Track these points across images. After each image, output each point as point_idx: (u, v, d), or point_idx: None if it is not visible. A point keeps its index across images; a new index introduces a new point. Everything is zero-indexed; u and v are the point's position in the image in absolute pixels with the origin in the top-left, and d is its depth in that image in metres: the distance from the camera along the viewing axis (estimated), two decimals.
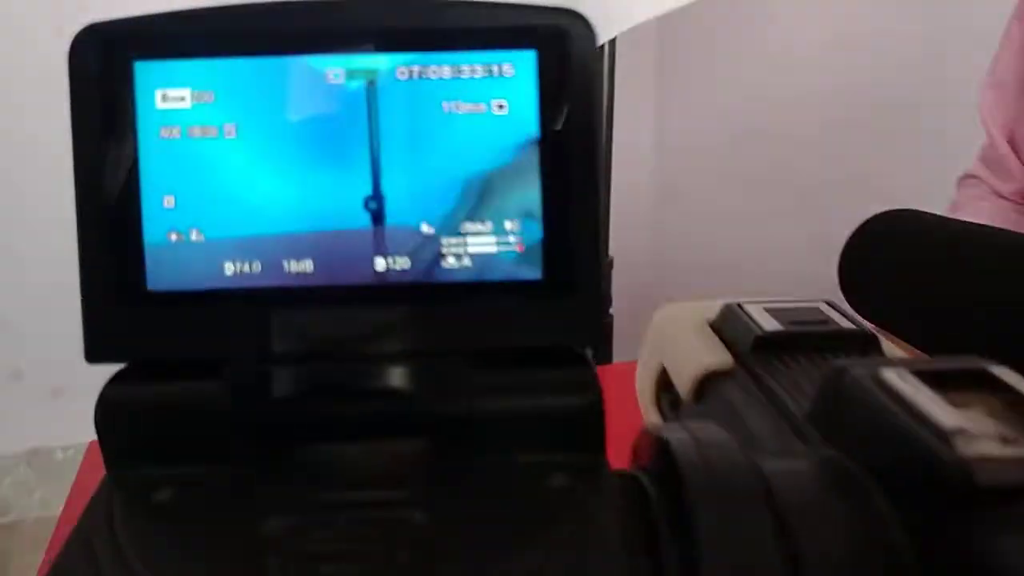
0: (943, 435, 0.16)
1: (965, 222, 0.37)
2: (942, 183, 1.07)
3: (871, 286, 0.37)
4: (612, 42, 1.15)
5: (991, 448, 0.16)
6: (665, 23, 1.24)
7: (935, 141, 1.13)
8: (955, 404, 0.18)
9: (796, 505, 0.18)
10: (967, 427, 0.17)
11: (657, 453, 0.20)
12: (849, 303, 0.36)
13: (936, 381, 0.19)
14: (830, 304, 0.29)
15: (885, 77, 1.19)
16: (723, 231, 1.58)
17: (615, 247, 1.46)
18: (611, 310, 1.38)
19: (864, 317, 0.32)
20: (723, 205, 1.60)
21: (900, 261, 0.36)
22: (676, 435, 0.19)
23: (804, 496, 0.18)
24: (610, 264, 1.34)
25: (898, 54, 1.18)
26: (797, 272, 1.34)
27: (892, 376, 0.19)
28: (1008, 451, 0.16)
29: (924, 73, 1.15)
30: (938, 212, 0.36)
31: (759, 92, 1.43)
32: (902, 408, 0.18)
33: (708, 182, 1.62)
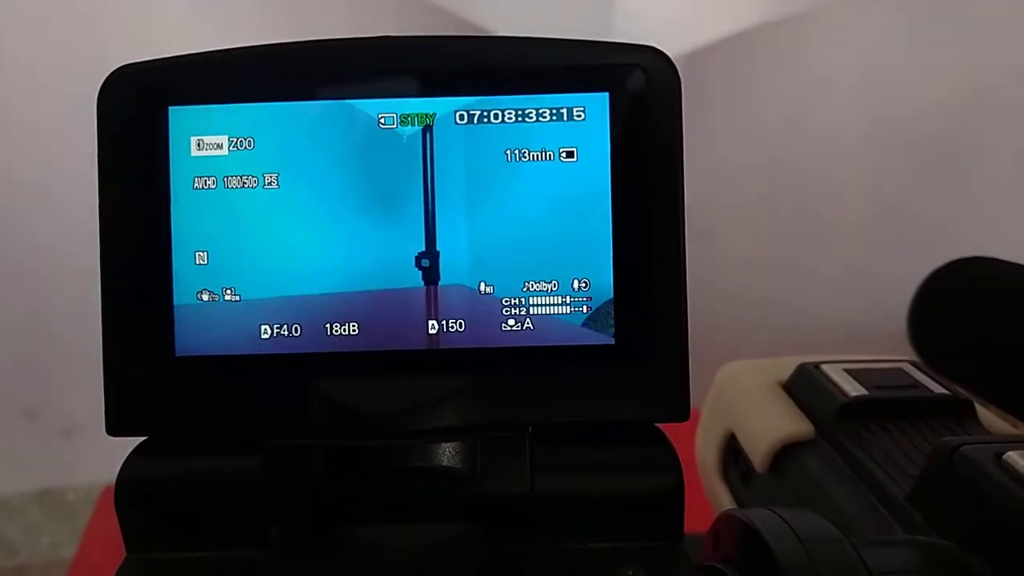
0: None
1: None
2: (984, 220, 1.04)
3: (947, 339, 0.35)
4: None
5: None
6: (693, 59, 1.23)
7: (975, 176, 1.10)
8: None
9: None
10: None
11: (749, 545, 0.17)
12: (919, 355, 0.33)
13: None
14: (914, 364, 0.27)
15: (923, 112, 1.17)
16: (754, 269, 1.55)
17: None
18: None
19: (935, 369, 0.29)
20: (755, 242, 1.57)
21: (980, 313, 0.33)
22: (771, 525, 0.17)
23: None
24: None
25: (935, 88, 1.16)
26: (833, 311, 1.31)
27: (1018, 459, 0.17)
28: None
29: (962, 107, 1.14)
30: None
31: (791, 128, 1.41)
32: None
33: (739, 218, 1.60)
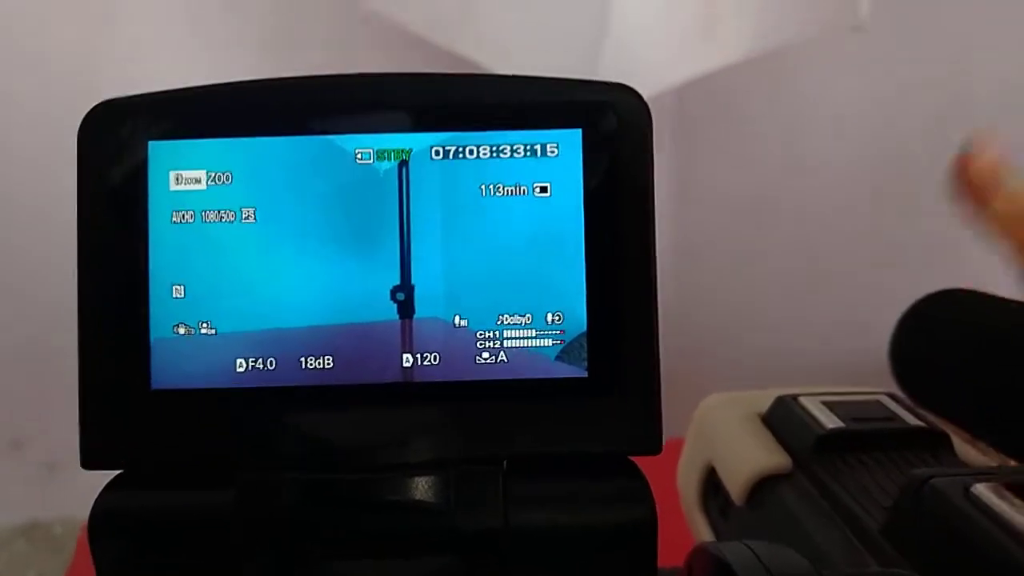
0: None
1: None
2: (973, 245, 1.05)
3: (927, 371, 0.35)
4: None
5: None
6: (683, 92, 1.24)
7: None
8: None
9: None
10: None
11: (715, 568, 0.17)
12: (900, 387, 0.33)
13: (1014, 482, 0.17)
14: (892, 396, 0.27)
15: (910, 141, 1.19)
16: (744, 293, 1.56)
17: None
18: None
19: (916, 402, 0.30)
20: (744, 267, 1.58)
21: (959, 345, 0.33)
22: (742, 560, 0.17)
23: None
24: None
25: (923, 119, 1.18)
26: (820, 337, 1.31)
27: (985, 491, 0.17)
28: None
29: (949, 137, 1.14)
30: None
31: (781, 155, 1.42)
32: (998, 527, 0.15)
33: (729, 245, 1.60)
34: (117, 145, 0.19)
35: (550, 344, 0.19)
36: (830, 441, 0.24)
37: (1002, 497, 0.17)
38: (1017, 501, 0.17)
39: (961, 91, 1.12)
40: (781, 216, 1.45)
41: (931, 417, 0.27)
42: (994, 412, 0.31)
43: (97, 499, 0.19)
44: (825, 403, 0.26)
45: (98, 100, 0.19)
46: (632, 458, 0.19)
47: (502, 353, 0.19)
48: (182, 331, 0.19)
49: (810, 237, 1.40)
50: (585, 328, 0.19)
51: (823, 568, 0.17)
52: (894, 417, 0.25)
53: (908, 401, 0.27)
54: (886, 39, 1.19)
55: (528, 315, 0.19)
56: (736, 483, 0.25)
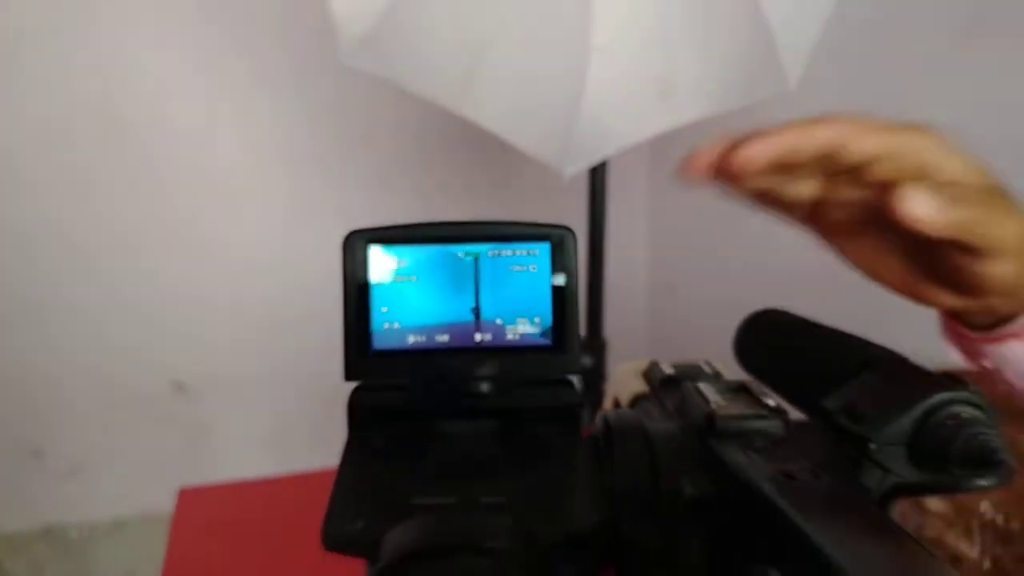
0: (710, 406, 0.41)
1: (806, 320, 0.61)
2: None
3: (750, 354, 0.62)
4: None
5: (730, 411, 0.41)
6: (656, 142, 1.44)
7: None
8: (727, 399, 0.43)
9: (657, 440, 0.42)
10: (723, 404, 0.42)
11: (602, 422, 0.44)
12: (740, 364, 0.60)
13: (724, 389, 0.44)
14: (707, 362, 0.54)
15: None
16: (712, 318, 1.78)
17: (611, 331, 1.68)
18: (605, 385, 1.59)
19: (748, 372, 0.57)
20: (712, 294, 1.80)
21: (763, 340, 0.60)
22: (611, 414, 0.44)
23: (661, 435, 0.42)
24: (603, 345, 1.57)
25: None
26: None
27: (702, 386, 0.44)
28: (736, 411, 0.41)
29: None
30: None
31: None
32: (700, 399, 0.43)
33: (699, 272, 1.83)
34: (357, 248, 0.46)
35: (536, 331, 0.46)
36: (667, 381, 0.51)
37: (713, 391, 0.44)
38: (713, 389, 0.44)
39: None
40: (745, 237, 1.65)
41: (727, 374, 0.54)
42: (788, 381, 0.59)
43: (351, 394, 0.45)
44: (672, 364, 0.53)
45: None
46: (569, 378, 0.46)
47: (517, 334, 0.46)
48: (386, 326, 0.45)
49: (772, 256, 1.61)
50: (551, 324, 0.46)
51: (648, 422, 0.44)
52: (702, 372, 0.53)
53: (715, 365, 0.54)
54: (831, 90, 1.41)
55: (526, 319, 0.46)
56: (624, 401, 0.52)
